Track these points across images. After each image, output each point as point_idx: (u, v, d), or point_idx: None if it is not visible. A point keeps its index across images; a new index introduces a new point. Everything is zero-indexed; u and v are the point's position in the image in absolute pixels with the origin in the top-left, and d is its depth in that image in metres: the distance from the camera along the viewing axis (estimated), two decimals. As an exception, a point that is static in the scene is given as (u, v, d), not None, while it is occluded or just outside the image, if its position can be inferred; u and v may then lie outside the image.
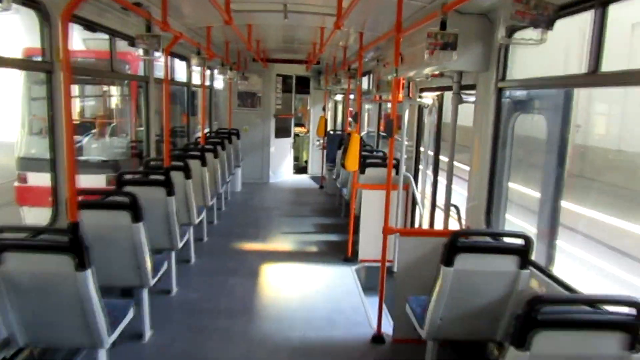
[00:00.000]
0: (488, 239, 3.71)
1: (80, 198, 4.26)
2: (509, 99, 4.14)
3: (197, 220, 6.28)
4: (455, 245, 3.12)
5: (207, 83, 10.53)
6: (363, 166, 6.80)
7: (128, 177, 5.16)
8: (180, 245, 5.31)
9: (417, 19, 4.28)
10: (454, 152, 4.74)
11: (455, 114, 4.61)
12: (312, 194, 11.87)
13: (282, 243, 7.69)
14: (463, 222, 4.64)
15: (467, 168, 4.65)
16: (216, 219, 8.65)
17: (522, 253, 3.15)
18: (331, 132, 12.86)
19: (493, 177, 4.15)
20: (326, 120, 12.51)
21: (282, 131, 13.06)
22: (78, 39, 10.22)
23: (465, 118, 4.78)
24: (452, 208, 4.75)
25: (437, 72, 4.88)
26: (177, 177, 5.57)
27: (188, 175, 5.83)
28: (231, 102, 11.74)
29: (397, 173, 6.92)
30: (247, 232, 8.21)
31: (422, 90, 6.46)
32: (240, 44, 8.43)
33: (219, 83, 12.33)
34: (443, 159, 6.36)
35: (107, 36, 5.36)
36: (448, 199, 4.74)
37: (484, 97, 4.24)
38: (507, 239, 3.68)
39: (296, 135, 14.41)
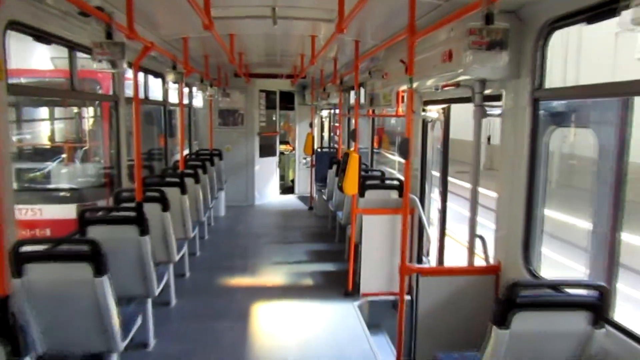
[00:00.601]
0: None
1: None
2: (542, 110, 3.51)
3: (177, 257, 5.50)
4: (513, 301, 2.42)
5: (186, 101, 9.78)
6: (362, 188, 6.11)
7: (98, 213, 4.42)
8: (157, 291, 4.52)
9: (431, 20, 3.67)
10: (478, 176, 4.06)
11: (479, 129, 3.95)
12: (302, 216, 11.12)
13: (274, 276, 6.91)
14: (490, 257, 3.96)
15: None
16: (199, 250, 7.83)
17: (597, 308, 2.46)
18: (319, 150, 12.19)
19: (530, 202, 3.49)
20: (313, 137, 11.87)
21: (266, 150, 12.36)
22: (46, 58, 9.51)
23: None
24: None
25: (451, 82, 4.24)
26: (153, 209, 4.82)
27: (165, 207, 5.06)
28: (212, 121, 11.00)
29: (400, 195, 6.26)
30: (234, 263, 7.42)
31: (425, 103, 5.82)
32: (221, 58, 7.73)
33: (198, 101, 11.60)
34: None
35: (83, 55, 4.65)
36: (472, 229, 4.05)
37: (514, 109, 3.60)
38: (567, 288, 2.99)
39: (281, 153, 13.70)
